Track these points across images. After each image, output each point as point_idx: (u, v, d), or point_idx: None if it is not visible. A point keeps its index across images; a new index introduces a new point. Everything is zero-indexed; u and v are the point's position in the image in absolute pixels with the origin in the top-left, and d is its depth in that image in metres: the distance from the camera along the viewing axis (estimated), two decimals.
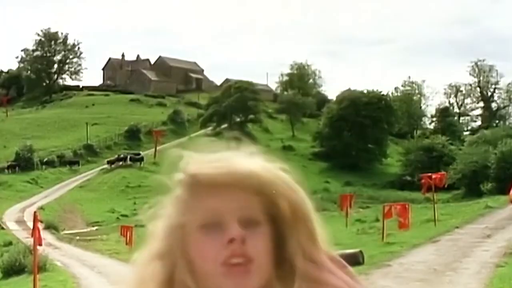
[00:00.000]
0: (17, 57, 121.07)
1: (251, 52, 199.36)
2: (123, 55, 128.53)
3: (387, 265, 15.22)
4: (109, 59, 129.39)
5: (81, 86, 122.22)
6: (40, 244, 15.76)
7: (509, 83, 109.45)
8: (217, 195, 1.19)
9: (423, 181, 28.84)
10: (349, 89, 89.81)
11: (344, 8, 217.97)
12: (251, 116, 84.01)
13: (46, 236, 35.04)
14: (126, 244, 32.76)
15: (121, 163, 73.70)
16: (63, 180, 68.76)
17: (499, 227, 23.10)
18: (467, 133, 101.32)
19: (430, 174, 29.09)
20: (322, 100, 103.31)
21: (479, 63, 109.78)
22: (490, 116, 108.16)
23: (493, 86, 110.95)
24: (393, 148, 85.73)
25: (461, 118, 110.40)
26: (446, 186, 49.86)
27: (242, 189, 1.20)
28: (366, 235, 26.86)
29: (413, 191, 56.86)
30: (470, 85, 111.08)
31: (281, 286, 1.19)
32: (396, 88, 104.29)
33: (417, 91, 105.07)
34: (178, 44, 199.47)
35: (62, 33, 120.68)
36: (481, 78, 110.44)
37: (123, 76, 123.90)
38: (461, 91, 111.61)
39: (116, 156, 75.63)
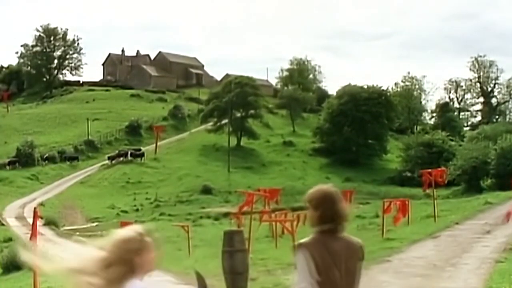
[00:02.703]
0: (17, 53, 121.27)
1: (251, 48, 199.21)
2: (123, 51, 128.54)
3: (387, 261, 15.24)
4: (109, 54, 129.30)
5: (81, 82, 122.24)
6: (32, 239, 16.08)
7: (509, 79, 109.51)
8: None
9: (423, 178, 28.77)
10: (349, 84, 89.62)
11: (344, 3, 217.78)
12: (252, 111, 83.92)
13: (46, 232, 35.08)
14: None
15: (121, 158, 73.66)
16: (63, 176, 68.73)
17: (499, 223, 23.10)
18: (467, 128, 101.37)
19: (430, 170, 29.04)
20: (322, 95, 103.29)
21: (479, 58, 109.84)
22: (490, 111, 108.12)
23: (493, 82, 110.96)
24: (393, 144, 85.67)
25: (461, 113, 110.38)
26: (446, 182, 50.12)
27: None
28: (366, 231, 26.86)
29: (413, 187, 56.94)
30: (470, 80, 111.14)
31: None
32: (396, 84, 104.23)
33: (417, 86, 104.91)
34: (178, 40, 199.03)
35: (61, 29, 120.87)
36: (481, 74, 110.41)
37: (123, 72, 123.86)
38: (461, 86, 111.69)
39: (117, 151, 75.54)
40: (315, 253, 3.79)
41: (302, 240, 3.89)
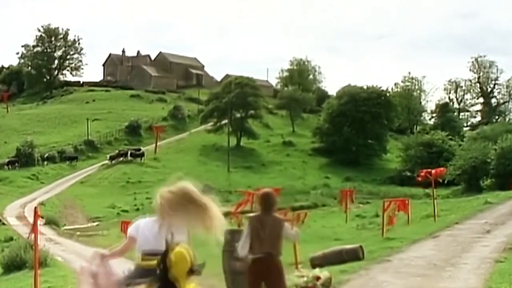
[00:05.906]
0: (17, 53, 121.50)
1: (251, 48, 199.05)
2: (123, 51, 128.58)
3: (387, 261, 15.24)
4: (110, 55, 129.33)
5: (81, 82, 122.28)
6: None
7: (509, 79, 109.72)
8: None
9: (422, 174, 28.75)
10: (349, 85, 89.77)
11: (344, 3, 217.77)
12: (252, 112, 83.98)
13: (46, 231, 35.14)
14: None
15: (121, 158, 73.70)
16: (63, 176, 68.74)
17: (499, 223, 23.13)
18: (467, 128, 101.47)
19: (430, 170, 29.04)
20: (322, 96, 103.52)
21: (479, 58, 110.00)
22: (490, 111, 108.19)
23: (493, 82, 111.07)
24: (393, 144, 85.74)
25: (461, 113, 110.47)
26: (446, 181, 50.17)
27: None
28: (366, 230, 26.93)
29: (413, 187, 56.96)
30: (470, 80, 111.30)
31: None
32: (396, 84, 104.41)
33: (417, 87, 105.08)
34: (179, 40, 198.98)
35: (62, 29, 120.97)
36: (481, 74, 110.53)
37: (123, 72, 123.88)
38: (461, 86, 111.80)
39: (117, 151, 75.57)
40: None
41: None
